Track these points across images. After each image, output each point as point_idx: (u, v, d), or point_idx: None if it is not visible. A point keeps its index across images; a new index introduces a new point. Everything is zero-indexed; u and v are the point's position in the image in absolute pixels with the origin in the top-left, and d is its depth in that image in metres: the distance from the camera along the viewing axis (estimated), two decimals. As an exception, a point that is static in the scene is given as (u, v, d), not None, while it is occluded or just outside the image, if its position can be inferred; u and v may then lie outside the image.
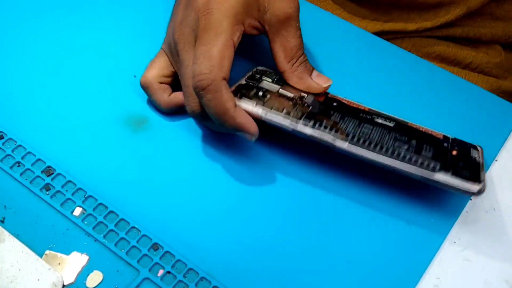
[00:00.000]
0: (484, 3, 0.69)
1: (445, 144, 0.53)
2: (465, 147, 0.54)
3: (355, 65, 0.64)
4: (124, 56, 0.64)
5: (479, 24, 0.72)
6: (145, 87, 0.59)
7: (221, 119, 0.52)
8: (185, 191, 0.55)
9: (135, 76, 0.62)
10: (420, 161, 0.50)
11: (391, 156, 0.50)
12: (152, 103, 0.60)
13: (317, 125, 0.52)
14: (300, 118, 0.53)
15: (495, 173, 0.56)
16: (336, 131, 0.52)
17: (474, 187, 0.49)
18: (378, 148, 0.51)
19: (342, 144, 0.51)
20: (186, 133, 0.59)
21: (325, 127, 0.52)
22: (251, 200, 0.55)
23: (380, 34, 0.71)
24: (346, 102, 0.57)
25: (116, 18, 0.68)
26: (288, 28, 0.56)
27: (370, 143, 0.51)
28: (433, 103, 0.60)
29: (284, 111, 0.53)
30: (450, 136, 0.55)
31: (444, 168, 0.50)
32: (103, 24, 0.67)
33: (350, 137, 0.52)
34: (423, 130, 0.55)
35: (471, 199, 0.55)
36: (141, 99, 0.61)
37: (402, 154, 0.51)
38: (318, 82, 0.57)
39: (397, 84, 0.62)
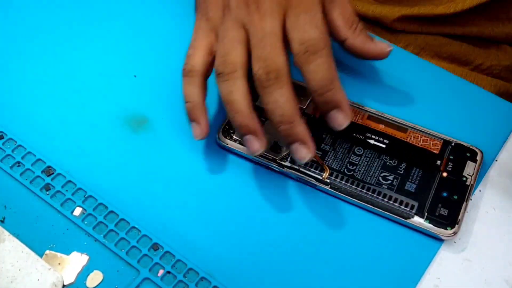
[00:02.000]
0: None
1: (438, 162, 0.55)
2: (461, 159, 0.56)
3: (358, 66, 0.64)
4: (124, 56, 0.64)
5: (494, 24, 0.72)
6: (190, 75, 0.54)
7: (327, 87, 0.50)
8: (185, 191, 0.55)
9: (135, 76, 0.62)
10: (398, 201, 0.53)
11: (371, 197, 0.54)
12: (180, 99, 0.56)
13: (302, 165, 0.55)
14: (288, 156, 0.56)
15: (495, 173, 0.56)
16: (321, 170, 0.55)
17: (446, 233, 0.52)
18: (359, 187, 0.54)
19: (325, 186, 0.55)
20: (185, 133, 0.58)
21: (310, 166, 0.55)
22: (251, 200, 0.55)
23: (403, 21, 0.71)
24: None
25: (115, 18, 0.68)
26: None
27: (352, 182, 0.55)
28: (434, 103, 0.60)
29: (271, 156, 0.56)
30: (453, 140, 0.57)
31: (421, 211, 0.53)
32: (102, 24, 0.67)
33: (333, 176, 0.55)
34: (420, 145, 0.57)
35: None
36: (141, 99, 0.61)
37: (382, 193, 0.54)
38: (380, 46, 0.57)
39: (399, 85, 0.62)
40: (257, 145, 0.52)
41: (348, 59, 0.64)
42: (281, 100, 0.50)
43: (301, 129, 0.51)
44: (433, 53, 0.73)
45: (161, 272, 0.50)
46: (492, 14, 0.70)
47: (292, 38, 0.51)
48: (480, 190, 0.55)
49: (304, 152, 0.51)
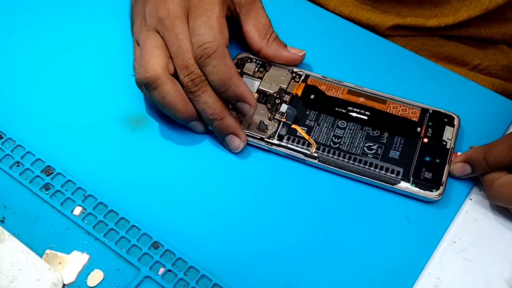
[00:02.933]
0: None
1: (418, 129, 0.58)
2: (440, 125, 0.58)
3: (357, 63, 0.65)
4: (122, 55, 0.64)
5: (490, 25, 0.72)
6: (152, 81, 0.55)
7: (226, 85, 0.55)
8: (185, 189, 0.55)
9: (133, 75, 0.62)
10: (384, 169, 0.55)
11: (358, 166, 0.55)
12: (155, 105, 0.58)
13: (290, 141, 0.57)
14: (275, 134, 0.58)
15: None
16: (308, 145, 0.57)
17: (432, 195, 0.54)
18: (346, 158, 0.56)
19: (313, 160, 0.56)
20: (185, 132, 0.59)
21: (298, 142, 0.57)
22: (250, 198, 0.55)
23: (397, 28, 0.72)
24: (324, 89, 0.60)
25: (114, 17, 0.67)
26: (257, 9, 0.61)
27: (339, 154, 0.56)
28: (432, 100, 0.60)
29: (259, 135, 0.58)
30: (430, 107, 0.59)
31: (406, 176, 0.55)
32: (101, 23, 0.67)
33: (320, 149, 0.56)
34: (400, 114, 0.59)
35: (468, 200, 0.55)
36: (140, 98, 0.61)
37: (368, 162, 0.56)
38: (293, 51, 0.62)
39: (393, 80, 0.62)
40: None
41: (351, 58, 0.65)
42: (210, 101, 0.55)
43: (231, 122, 0.56)
44: (431, 53, 0.73)
45: (161, 270, 0.50)
46: (488, 15, 0.70)
47: (192, 42, 0.55)
48: (480, 190, 0.55)
49: (237, 142, 0.57)
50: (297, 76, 0.61)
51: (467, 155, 0.55)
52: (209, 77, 0.55)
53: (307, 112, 0.59)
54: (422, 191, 0.54)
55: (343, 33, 0.68)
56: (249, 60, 0.62)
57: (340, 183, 0.56)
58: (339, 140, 0.57)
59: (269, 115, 0.59)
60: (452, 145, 0.56)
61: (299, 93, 0.60)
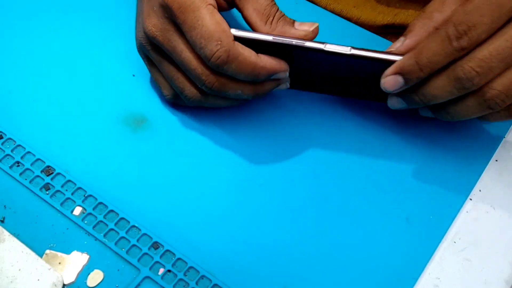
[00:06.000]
0: None
1: None
2: None
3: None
4: (122, 55, 0.64)
5: None
6: (229, 54, 0.52)
7: (254, 75, 0.52)
8: (185, 189, 0.55)
9: (133, 75, 0.62)
10: None
11: None
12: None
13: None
14: None
15: (495, 173, 0.56)
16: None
17: None
18: None
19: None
20: (185, 132, 0.59)
21: None
22: (251, 198, 0.55)
23: (388, 27, 0.72)
24: None
25: (114, 17, 0.68)
26: None
27: None
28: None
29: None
30: None
31: None
32: (102, 23, 0.67)
33: None
34: None
35: (470, 199, 0.55)
36: (141, 98, 0.61)
37: None
38: (303, 28, 0.54)
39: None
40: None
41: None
42: (239, 91, 0.54)
43: (264, 71, 0.53)
44: None
45: (161, 270, 0.50)
46: None
47: (200, 55, 0.53)
48: (480, 190, 0.55)
49: (282, 75, 0.54)
50: None
51: (397, 64, 0.51)
52: (237, 77, 0.53)
53: None
54: None
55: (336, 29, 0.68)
56: None
57: (341, 184, 0.56)
58: None
59: None
60: None
61: None
